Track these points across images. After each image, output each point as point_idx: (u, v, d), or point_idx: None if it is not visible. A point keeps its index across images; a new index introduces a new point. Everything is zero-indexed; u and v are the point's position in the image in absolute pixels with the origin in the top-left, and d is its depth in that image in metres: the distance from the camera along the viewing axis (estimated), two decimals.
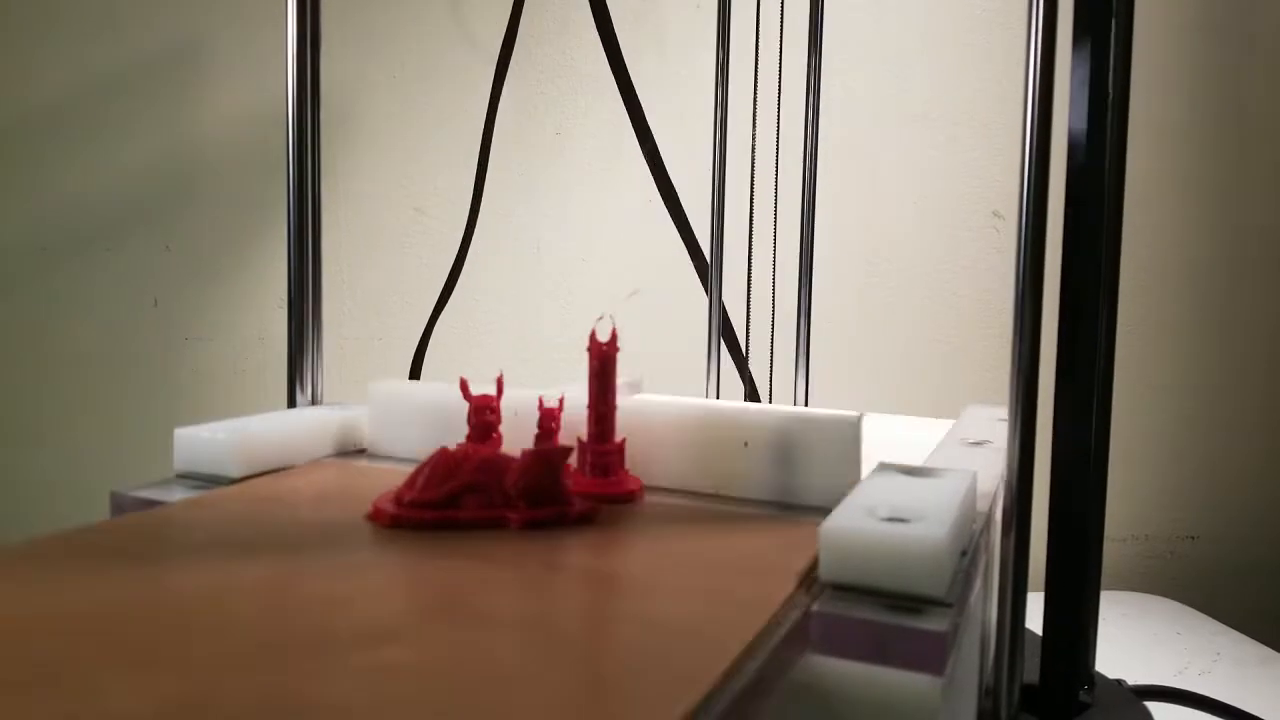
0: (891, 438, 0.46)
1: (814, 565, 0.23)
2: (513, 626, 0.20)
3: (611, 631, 0.20)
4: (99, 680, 0.17)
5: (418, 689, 0.17)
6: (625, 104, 0.43)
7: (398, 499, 0.27)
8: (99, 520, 0.29)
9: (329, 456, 0.35)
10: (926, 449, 0.39)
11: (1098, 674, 0.42)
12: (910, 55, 0.82)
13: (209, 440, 0.31)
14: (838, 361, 0.81)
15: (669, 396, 0.41)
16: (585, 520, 0.27)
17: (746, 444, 0.32)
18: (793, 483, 0.32)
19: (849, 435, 0.31)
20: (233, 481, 0.31)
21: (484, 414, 0.30)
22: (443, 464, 0.27)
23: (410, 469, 0.28)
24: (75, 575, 0.22)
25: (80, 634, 0.19)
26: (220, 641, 0.19)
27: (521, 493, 0.27)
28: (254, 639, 0.19)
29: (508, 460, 0.27)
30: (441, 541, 0.25)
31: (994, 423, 0.46)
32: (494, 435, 0.30)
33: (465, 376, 0.31)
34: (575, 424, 0.31)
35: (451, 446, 0.28)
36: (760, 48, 0.59)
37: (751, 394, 0.62)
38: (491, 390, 0.30)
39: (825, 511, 0.24)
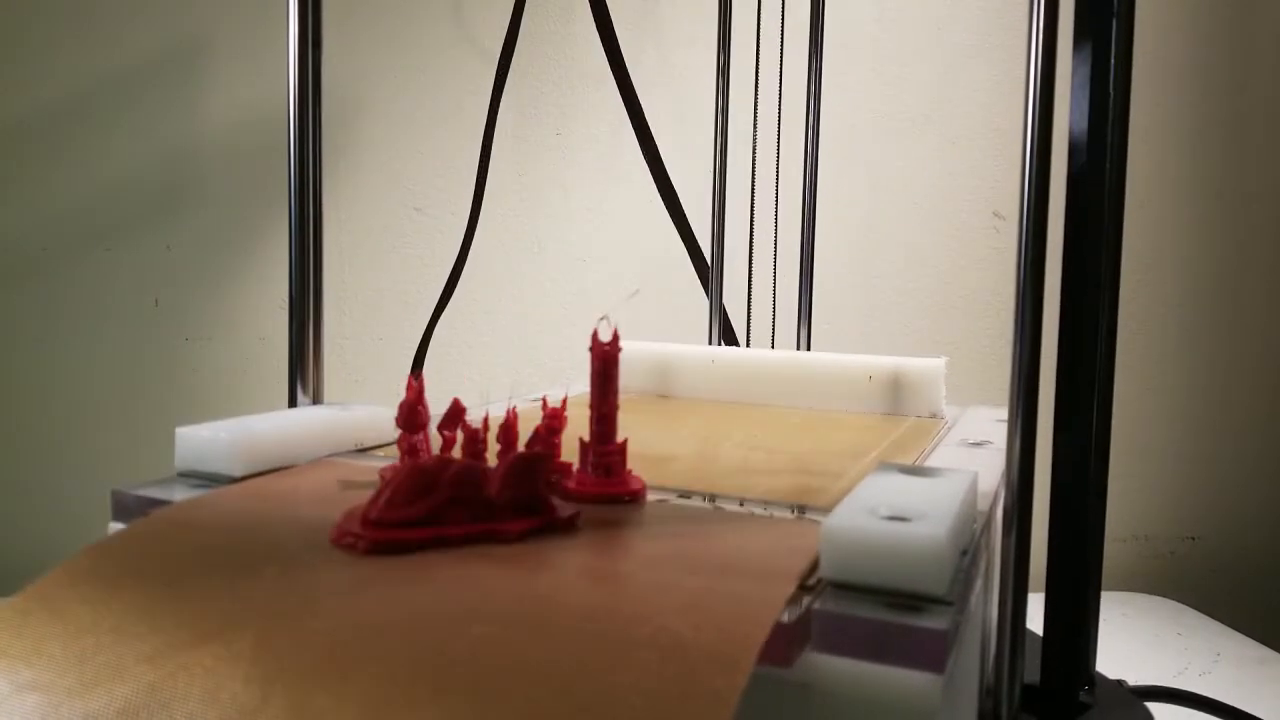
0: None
1: (814, 565, 0.23)
2: (525, 627, 0.20)
3: (620, 637, 0.20)
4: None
5: (431, 685, 0.17)
6: (625, 104, 0.43)
7: (365, 518, 0.25)
8: (105, 523, 0.29)
9: (330, 456, 0.35)
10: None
11: (1098, 674, 0.42)
12: (911, 56, 0.82)
13: (210, 439, 0.31)
14: None
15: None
16: (572, 525, 0.27)
17: (870, 378, 0.50)
18: (899, 402, 0.49)
19: (936, 371, 0.49)
20: (234, 480, 0.31)
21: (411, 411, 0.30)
22: (417, 479, 0.26)
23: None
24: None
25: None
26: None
27: (507, 502, 0.26)
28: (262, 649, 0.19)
29: (485, 470, 0.26)
30: (434, 550, 0.25)
31: (994, 423, 0.47)
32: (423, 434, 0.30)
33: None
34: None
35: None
36: (761, 48, 0.59)
37: None
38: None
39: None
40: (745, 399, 0.52)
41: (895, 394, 0.49)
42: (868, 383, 0.49)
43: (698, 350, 0.54)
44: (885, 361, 0.50)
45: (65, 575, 0.22)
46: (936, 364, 0.49)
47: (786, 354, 0.54)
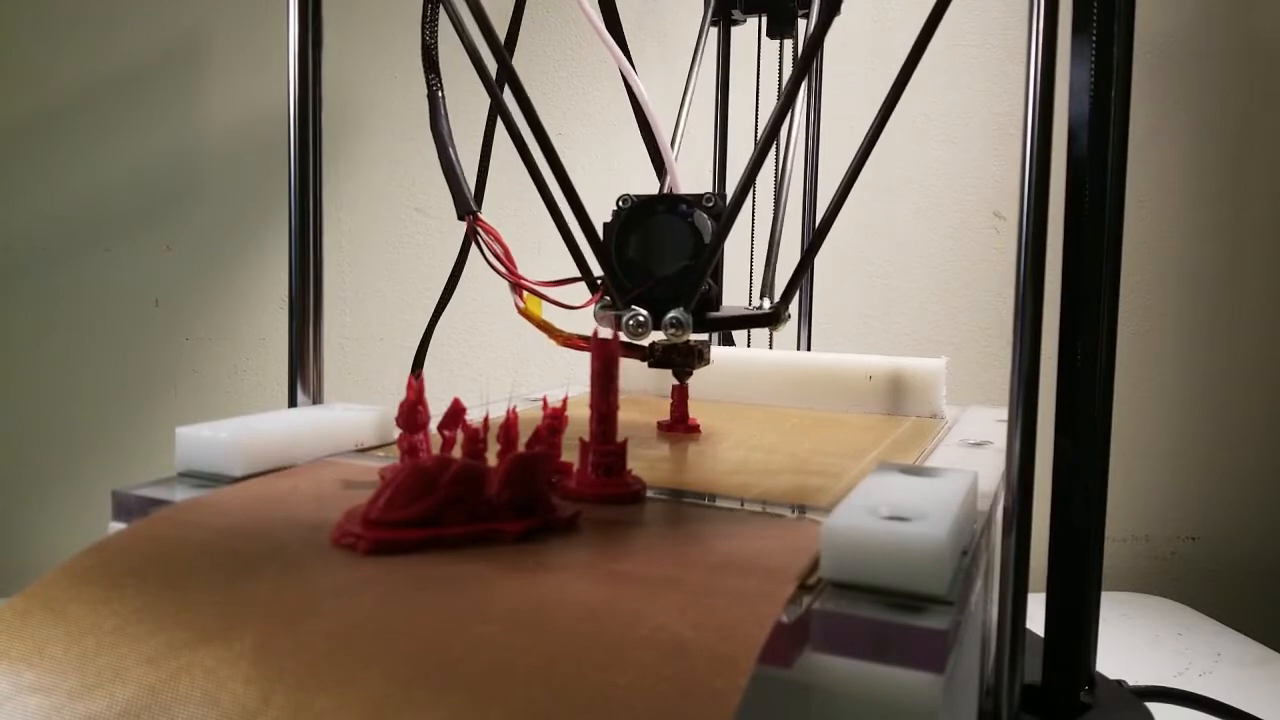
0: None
1: (814, 565, 0.23)
2: (525, 627, 0.20)
3: (620, 636, 0.20)
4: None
5: (431, 685, 0.17)
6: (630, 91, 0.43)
7: (365, 518, 0.25)
8: (105, 523, 0.29)
9: (330, 456, 0.35)
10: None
11: (1098, 674, 0.42)
12: None
13: (210, 439, 0.31)
14: None
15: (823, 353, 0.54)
16: (572, 525, 0.27)
17: (870, 378, 0.50)
18: (899, 402, 0.49)
19: (936, 371, 0.49)
20: (234, 480, 0.31)
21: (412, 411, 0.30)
22: (417, 479, 0.26)
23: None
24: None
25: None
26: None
27: (507, 502, 0.26)
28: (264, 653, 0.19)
29: (485, 470, 0.26)
30: (434, 550, 0.25)
31: (994, 423, 0.47)
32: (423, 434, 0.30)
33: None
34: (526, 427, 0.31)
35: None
36: (762, 48, 0.59)
37: None
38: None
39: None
40: (745, 399, 0.52)
41: (895, 394, 0.49)
42: (868, 383, 0.49)
43: None
44: (885, 361, 0.50)
45: (65, 575, 0.22)
46: (936, 364, 0.49)
47: (786, 354, 0.54)
